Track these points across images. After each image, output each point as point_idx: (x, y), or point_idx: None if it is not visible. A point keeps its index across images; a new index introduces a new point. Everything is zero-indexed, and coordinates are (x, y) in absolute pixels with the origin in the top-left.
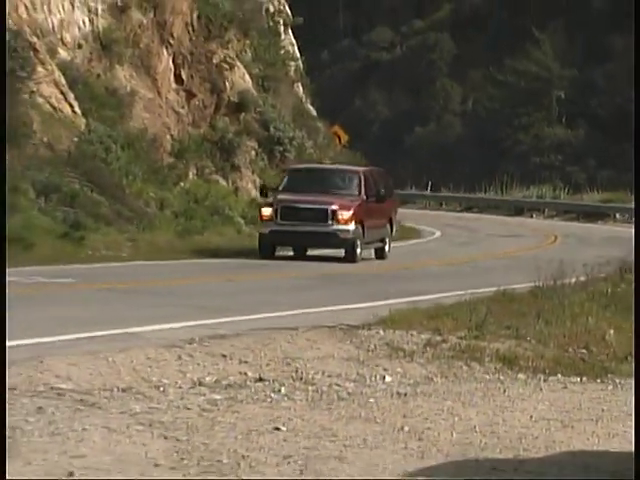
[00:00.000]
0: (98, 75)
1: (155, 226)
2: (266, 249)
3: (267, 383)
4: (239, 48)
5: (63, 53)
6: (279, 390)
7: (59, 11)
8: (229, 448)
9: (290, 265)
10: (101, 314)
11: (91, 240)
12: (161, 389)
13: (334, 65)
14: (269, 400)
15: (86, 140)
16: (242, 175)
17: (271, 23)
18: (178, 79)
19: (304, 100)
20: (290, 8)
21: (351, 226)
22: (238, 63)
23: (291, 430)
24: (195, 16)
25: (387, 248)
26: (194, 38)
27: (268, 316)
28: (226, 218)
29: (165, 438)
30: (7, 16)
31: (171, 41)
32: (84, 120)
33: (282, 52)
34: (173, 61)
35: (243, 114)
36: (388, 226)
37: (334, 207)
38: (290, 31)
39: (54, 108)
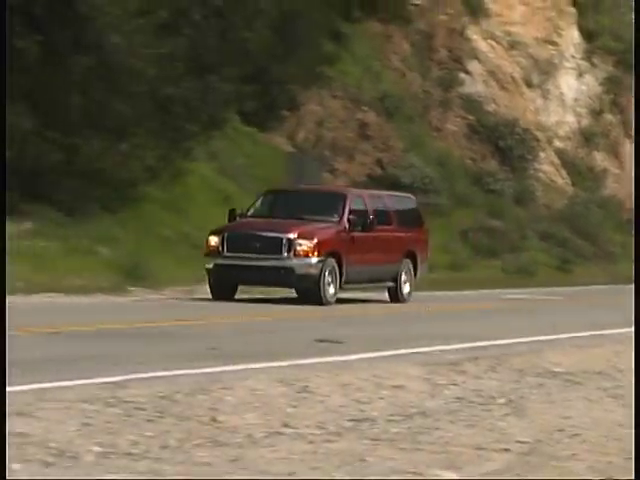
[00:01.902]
0: (581, 157)
1: (619, 261)
2: (216, 288)
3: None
4: None
5: (557, 143)
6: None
7: (555, 114)
8: None
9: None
10: (595, 318)
11: (576, 271)
12: (623, 372)
13: None
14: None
15: (573, 202)
16: None
17: None
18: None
19: None
20: None
21: (312, 259)
22: None
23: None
24: None
25: (406, 289)
26: None
27: None
28: None
29: (624, 407)
30: (518, 118)
31: (631, 133)
32: (572, 188)
33: None
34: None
35: None
36: (407, 262)
37: (290, 235)
38: None
39: (551, 180)
